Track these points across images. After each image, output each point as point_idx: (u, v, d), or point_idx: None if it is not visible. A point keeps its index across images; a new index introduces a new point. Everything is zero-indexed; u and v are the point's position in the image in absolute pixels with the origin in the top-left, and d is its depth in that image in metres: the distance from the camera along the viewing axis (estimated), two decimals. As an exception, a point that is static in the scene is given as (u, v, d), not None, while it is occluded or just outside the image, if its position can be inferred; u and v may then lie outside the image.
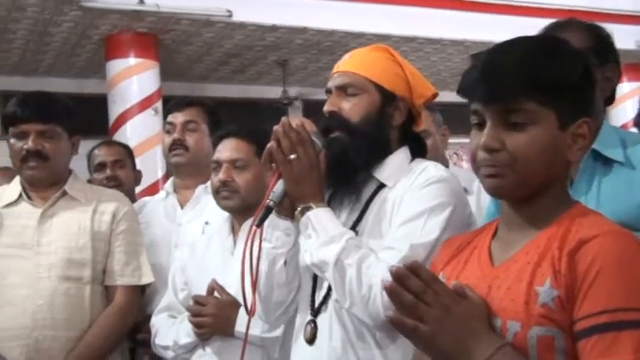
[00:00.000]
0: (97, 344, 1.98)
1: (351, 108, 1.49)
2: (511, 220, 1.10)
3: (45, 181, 2.07)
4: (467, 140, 1.14)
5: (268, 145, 1.45)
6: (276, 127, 1.45)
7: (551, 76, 1.03)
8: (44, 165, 2.03)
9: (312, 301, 1.51)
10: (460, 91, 1.09)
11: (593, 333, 0.93)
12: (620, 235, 0.99)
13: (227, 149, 1.92)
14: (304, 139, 1.44)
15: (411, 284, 0.97)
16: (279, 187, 1.43)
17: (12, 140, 2.04)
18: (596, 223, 1.02)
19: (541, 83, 1.02)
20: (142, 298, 2.18)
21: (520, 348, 0.98)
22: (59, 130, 2.06)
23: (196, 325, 1.85)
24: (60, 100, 2.14)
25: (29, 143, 2.01)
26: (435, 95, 1.59)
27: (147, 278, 2.11)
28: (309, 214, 1.43)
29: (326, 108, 1.52)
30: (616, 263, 0.95)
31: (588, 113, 1.06)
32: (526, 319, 0.98)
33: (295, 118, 1.61)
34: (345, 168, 1.48)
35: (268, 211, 1.42)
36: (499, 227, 1.13)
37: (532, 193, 1.06)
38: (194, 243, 2.07)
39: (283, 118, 1.47)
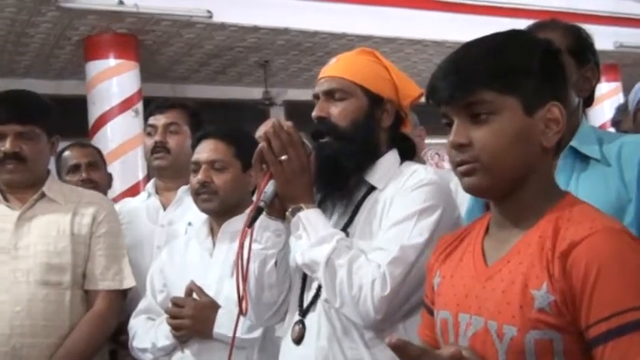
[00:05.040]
0: (77, 351, 1.94)
1: (339, 113, 1.50)
2: (500, 218, 1.09)
3: (23, 184, 2.03)
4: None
5: (259, 146, 1.45)
6: (266, 128, 1.46)
7: (505, 62, 1.03)
8: (23, 167, 2.00)
9: (301, 301, 1.51)
10: (427, 98, 1.09)
11: (608, 339, 0.91)
12: (611, 231, 0.97)
13: (206, 150, 1.91)
14: (295, 140, 1.44)
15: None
16: (269, 187, 1.44)
17: None
18: (586, 219, 0.99)
19: (496, 70, 1.02)
20: (123, 302, 2.15)
21: (518, 352, 0.97)
22: (38, 131, 2.02)
23: (175, 328, 1.84)
24: (39, 100, 2.10)
25: (7, 145, 1.97)
26: (421, 95, 1.60)
27: (128, 282, 2.08)
28: (300, 214, 1.44)
29: (314, 114, 1.53)
30: (613, 263, 0.93)
31: (557, 97, 1.05)
32: (522, 323, 0.97)
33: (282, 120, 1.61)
34: (336, 172, 1.49)
35: (259, 211, 1.42)
36: (490, 225, 1.12)
37: (512, 186, 1.05)
38: (173, 244, 2.06)
39: (274, 119, 1.47)
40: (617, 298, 0.92)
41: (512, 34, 1.11)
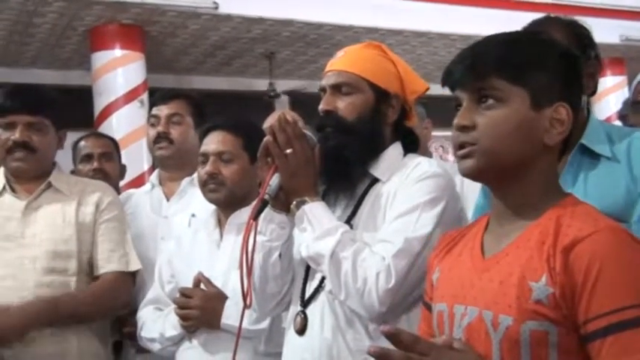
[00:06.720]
0: (83, 302, 1.96)
1: (346, 107, 1.51)
2: (500, 212, 1.10)
3: (31, 174, 2.05)
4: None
5: (265, 140, 1.46)
6: (272, 122, 1.46)
7: (522, 55, 1.05)
8: (32, 157, 2.02)
9: (303, 292, 1.52)
10: (443, 82, 1.11)
11: (607, 334, 0.93)
12: (614, 231, 0.98)
13: (214, 142, 1.92)
14: (300, 134, 1.45)
15: (393, 357, 0.93)
16: (274, 180, 1.44)
17: None
18: (589, 218, 1.01)
19: (509, 60, 1.05)
20: (132, 285, 2.12)
21: (512, 342, 0.98)
22: (47, 123, 2.05)
23: (183, 318, 1.85)
24: (48, 94, 2.13)
25: (17, 134, 1.99)
26: (427, 90, 1.61)
27: (134, 265, 2.08)
28: (305, 207, 1.44)
29: (321, 107, 1.53)
30: (615, 261, 0.95)
31: (566, 99, 1.06)
32: (518, 313, 0.98)
33: (289, 113, 1.62)
34: (341, 164, 1.50)
35: (264, 204, 1.43)
36: (490, 220, 1.14)
37: (508, 176, 1.06)
38: (180, 236, 2.07)
39: (279, 113, 1.48)
40: (618, 295, 0.93)
41: (535, 33, 1.15)
